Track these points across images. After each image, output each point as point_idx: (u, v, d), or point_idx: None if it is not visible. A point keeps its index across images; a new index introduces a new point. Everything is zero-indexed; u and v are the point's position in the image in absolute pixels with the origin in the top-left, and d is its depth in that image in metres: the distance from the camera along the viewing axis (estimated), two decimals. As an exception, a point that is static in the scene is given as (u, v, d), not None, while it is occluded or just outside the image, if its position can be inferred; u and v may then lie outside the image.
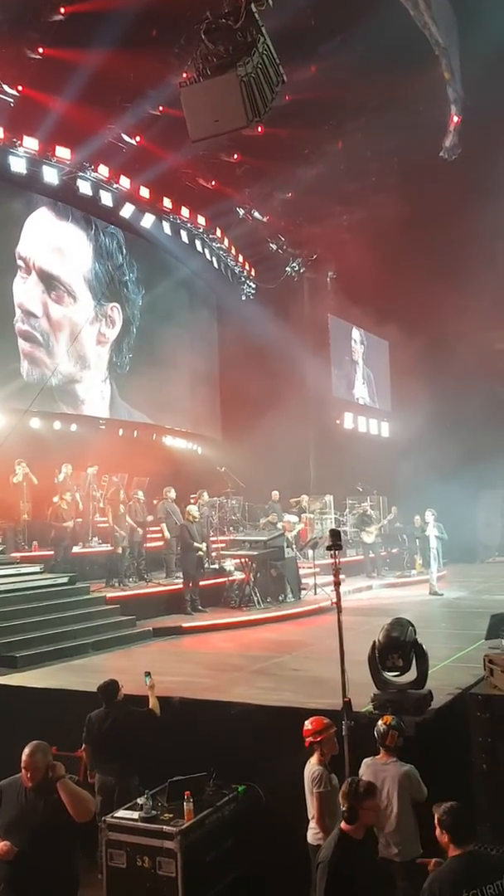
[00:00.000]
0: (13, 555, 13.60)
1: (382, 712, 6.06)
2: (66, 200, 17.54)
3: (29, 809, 4.55)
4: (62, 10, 13.05)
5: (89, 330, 18.32)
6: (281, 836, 6.02)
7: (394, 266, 20.89)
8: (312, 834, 5.62)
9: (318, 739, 5.67)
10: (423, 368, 22.12)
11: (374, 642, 6.59)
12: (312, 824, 5.63)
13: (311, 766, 5.68)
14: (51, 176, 16.16)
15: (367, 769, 5.53)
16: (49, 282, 17.37)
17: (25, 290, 16.81)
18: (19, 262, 16.67)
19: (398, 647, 6.48)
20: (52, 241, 17.57)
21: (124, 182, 17.44)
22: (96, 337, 18.80)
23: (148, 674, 6.87)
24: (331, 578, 6.99)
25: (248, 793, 6.38)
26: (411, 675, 6.58)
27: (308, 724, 5.75)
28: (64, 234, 17.96)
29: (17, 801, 4.60)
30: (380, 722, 5.59)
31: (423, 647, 6.61)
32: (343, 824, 4.55)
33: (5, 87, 14.16)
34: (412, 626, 6.67)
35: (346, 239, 21.77)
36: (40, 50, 13.68)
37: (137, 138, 16.57)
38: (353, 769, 5.55)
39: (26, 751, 4.65)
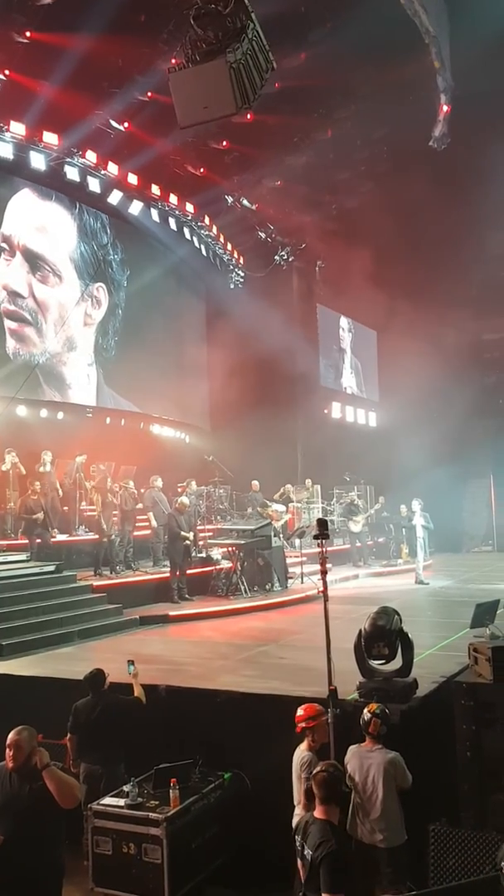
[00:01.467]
0: (-1, 543, 13.55)
1: (368, 700, 6.10)
2: (54, 186, 17.38)
3: (14, 796, 4.55)
4: (50, -7, 12.91)
5: (76, 311, 18.23)
6: (266, 823, 6.05)
7: (382, 255, 20.89)
8: (297, 820, 5.66)
9: (311, 725, 5.71)
10: (411, 358, 22.15)
11: (360, 631, 6.62)
12: (298, 810, 5.67)
13: (301, 752, 5.72)
14: (38, 161, 16.00)
15: (352, 756, 5.57)
16: (34, 262, 17.22)
17: (10, 272, 16.66)
18: (3, 244, 16.52)
19: (384, 635, 6.50)
20: (36, 220, 17.40)
21: (112, 168, 17.29)
22: (83, 318, 18.70)
23: (131, 662, 6.88)
24: (317, 567, 7.01)
25: (233, 780, 6.43)
26: (397, 663, 6.62)
27: (300, 711, 5.79)
28: (48, 214, 17.78)
29: (2, 787, 4.60)
30: (365, 710, 5.63)
31: (409, 635, 6.64)
32: (325, 811, 4.56)
33: (-8, 71, 14.03)
34: (398, 614, 6.70)
35: (335, 228, 21.74)
36: (27, 34, 13.50)
37: (125, 124, 16.43)
38: (339, 756, 5.58)
39: (12, 731, 4.66)
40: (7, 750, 4.62)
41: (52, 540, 13.82)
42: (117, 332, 19.68)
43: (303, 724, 5.75)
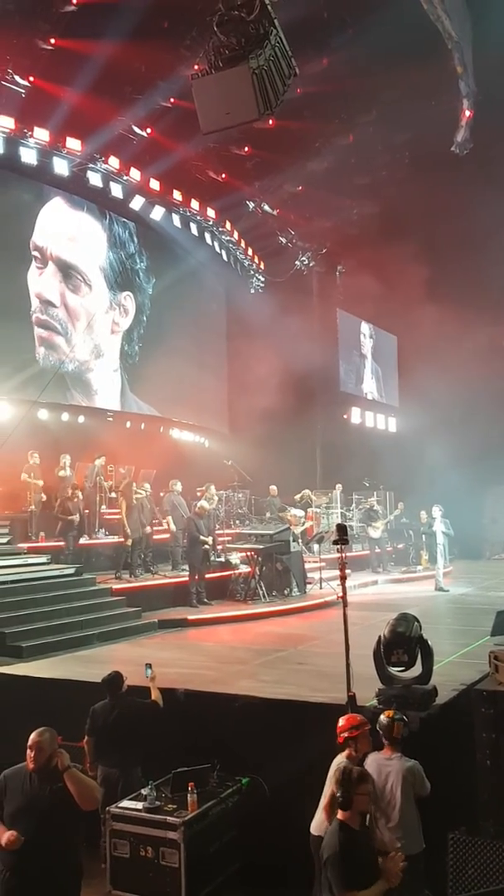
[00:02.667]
0: (20, 545, 13.63)
1: (387, 707, 6.06)
2: (77, 192, 17.55)
3: (34, 798, 4.57)
4: (74, 1, 13.04)
5: (104, 318, 18.46)
6: (284, 828, 6.03)
7: (403, 260, 20.82)
8: (317, 825, 5.63)
9: (353, 735, 5.58)
10: (432, 364, 22.06)
11: (380, 637, 6.58)
12: (320, 815, 5.63)
13: (338, 760, 5.62)
14: (61, 167, 16.14)
15: (371, 764, 5.53)
16: (66, 271, 17.47)
17: (43, 281, 16.92)
18: (34, 253, 16.72)
19: (403, 642, 6.47)
20: (68, 230, 17.66)
21: (134, 174, 17.41)
22: (110, 326, 18.90)
23: (149, 666, 6.89)
24: (336, 573, 6.99)
25: (251, 785, 6.41)
26: (416, 670, 6.58)
27: (341, 721, 5.61)
28: (79, 224, 18.03)
29: (23, 789, 4.62)
30: (382, 716, 5.58)
31: (429, 642, 6.60)
32: (339, 813, 4.57)
33: (17, 78, 14.18)
34: (417, 621, 6.65)
35: (355, 233, 21.70)
36: (52, 41, 13.67)
37: (148, 130, 16.56)
38: (358, 763, 5.54)
39: (34, 732, 4.68)
40: (28, 751, 4.64)
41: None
42: (142, 339, 19.82)
43: (345, 735, 5.61)
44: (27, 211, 16.75)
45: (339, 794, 4.59)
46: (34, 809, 4.53)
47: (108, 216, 18.70)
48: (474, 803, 6.11)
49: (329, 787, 5.53)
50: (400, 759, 5.45)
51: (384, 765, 5.46)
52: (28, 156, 15.41)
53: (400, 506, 19.91)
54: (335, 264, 24.35)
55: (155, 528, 14.94)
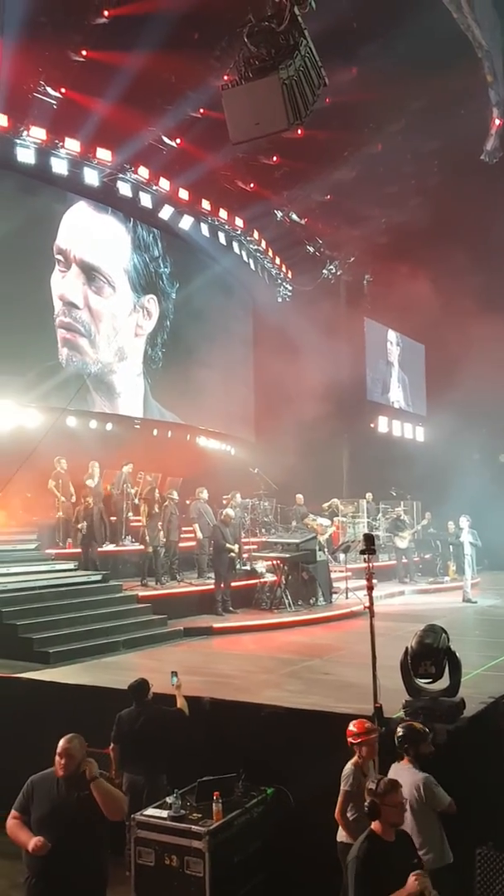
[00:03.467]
0: (47, 551, 13.74)
1: (414, 719, 6.01)
2: (106, 201, 17.73)
3: (61, 804, 4.59)
4: (105, 13, 13.21)
5: (127, 321, 18.59)
6: (309, 840, 6.00)
7: (432, 269, 20.75)
8: (340, 832, 5.63)
9: (358, 741, 5.65)
10: (461, 372, 21.91)
11: (407, 648, 6.54)
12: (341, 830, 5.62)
13: (347, 766, 5.68)
14: (91, 177, 16.35)
15: (391, 773, 5.49)
16: (90, 273, 17.62)
17: (66, 283, 17.08)
18: (58, 256, 16.89)
19: (431, 653, 6.42)
20: (92, 233, 17.81)
21: (163, 184, 17.57)
22: (134, 329, 19.02)
23: (174, 673, 6.89)
24: (362, 583, 6.96)
25: (276, 795, 6.37)
26: (444, 682, 6.52)
27: (351, 726, 5.74)
28: (103, 227, 18.20)
29: (50, 795, 4.64)
30: (399, 728, 5.55)
31: (457, 654, 6.54)
32: (373, 823, 4.56)
33: (49, 90, 14.38)
34: (445, 633, 6.60)
35: (383, 241, 21.66)
36: (83, 52, 13.85)
37: (177, 140, 16.70)
38: (383, 772, 5.51)
39: (63, 739, 4.71)
40: (57, 758, 4.66)
41: (98, 550, 13.98)
42: (165, 344, 19.91)
43: (351, 740, 5.70)
44: (51, 215, 16.92)
45: (366, 804, 4.58)
46: (61, 816, 4.54)
47: (131, 219, 18.83)
48: (503, 817, 6.02)
49: (340, 794, 5.54)
50: (410, 772, 5.39)
51: (398, 775, 5.40)
52: (59, 166, 15.62)
53: (427, 516, 19.77)
54: (363, 273, 24.32)
55: (182, 536, 14.96)
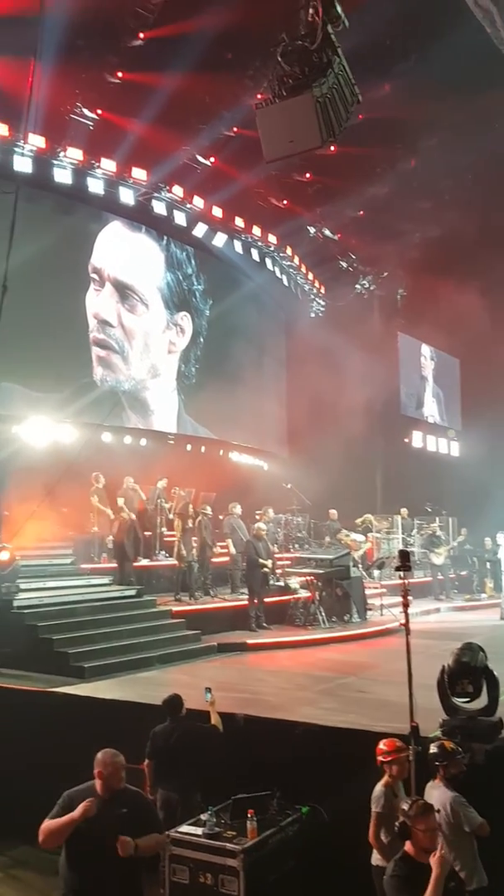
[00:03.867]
0: (83, 566, 13.84)
1: (451, 739, 5.92)
2: (141, 220, 17.97)
3: (98, 821, 4.58)
4: (141, 36, 13.39)
5: (160, 338, 18.76)
6: (345, 860, 5.92)
7: (466, 283, 20.61)
8: (374, 855, 5.55)
9: (388, 760, 5.60)
10: (496, 387, 21.70)
11: (444, 667, 6.45)
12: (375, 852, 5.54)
13: (377, 787, 5.62)
14: (127, 196, 16.59)
15: (425, 793, 5.40)
16: (123, 292, 17.85)
17: (100, 301, 17.31)
18: (93, 275, 17.15)
19: (468, 672, 6.33)
20: (126, 252, 18.04)
21: (197, 202, 17.75)
22: (167, 346, 19.18)
23: (208, 690, 6.87)
24: (397, 599, 6.89)
25: (311, 814, 6.31)
26: (482, 701, 6.41)
27: (381, 745, 5.69)
28: (137, 245, 18.43)
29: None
30: (432, 747, 5.47)
31: (495, 673, 6.44)
32: (406, 845, 4.50)
33: (85, 111, 14.65)
34: (483, 651, 6.50)
35: (417, 256, 21.59)
36: (119, 74, 14.07)
37: (211, 159, 16.86)
38: (419, 793, 5.43)
39: (101, 753, 4.71)
40: (96, 774, 4.67)
41: (135, 565, 14.06)
42: (198, 360, 20.04)
43: (381, 759, 5.64)
44: (87, 234, 17.19)
45: (397, 823, 4.53)
46: (97, 832, 4.54)
47: (165, 237, 19.06)
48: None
49: (372, 816, 5.47)
50: (440, 790, 5.30)
51: (428, 794, 5.33)
52: (95, 186, 15.87)
53: (463, 532, 19.56)
54: (396, 288, 24.24)
55: (215, 551, 14.98)
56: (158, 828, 4.98)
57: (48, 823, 4.60)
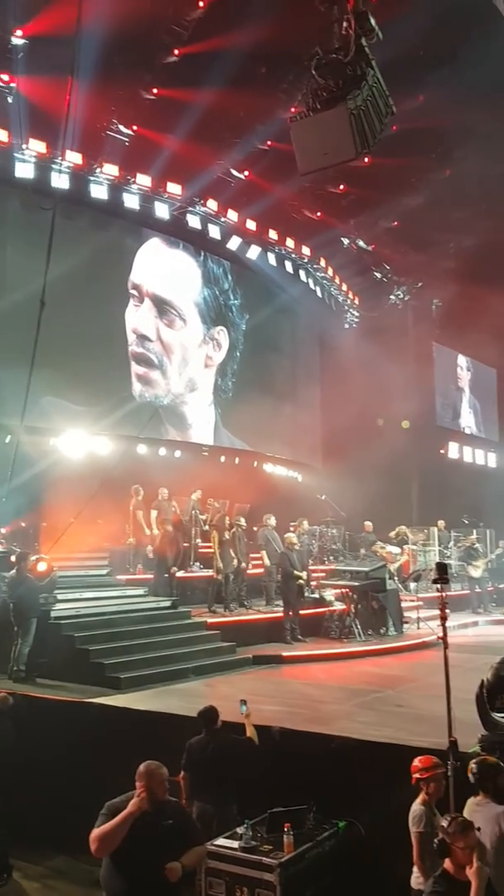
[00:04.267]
0: (118, 577, 13.92)
1: (491, 754, 5.82)
2: (176, 234, 18.17)
3: (141, 832, 4.57)
4: (175, 52, 13.58)
5: (197, 353, 18.92)
6: (382, 877, 5.84)
7: (502, 293, 20.42)
8: (414, 878, 5.43)
9: (424, 777, 5.51)
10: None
11: (483, 681, 6.35)
12: (415, 869, 5.45)
13: (414, 806, 5.53)
14: (162, 211, 16.80)
15: (467, 809, 5.29)
16: (161, 307, 18.08)
17: (139, 316, 17.58)
18: (132, 291, 17.38)
19: (508, 687, 6.23)
20: (164, 268, 18.30)
21: (231, 215, 17.90)
22: (204, 360, 19.34)
23: (244, 702, 6.85)
24: (433, 612, 6.82)
25: (348, 829, 6.25)
26: (522, 717, 6.30)
27: (416, 762, 5.60)
28: (175, 261, 18.66)
29: (132, 823, 4.61)
30: (472, 763, 5.35)
31: (535, 688, 6.32)
32: (446, 862, 4.42)
33: (121, 127, 14.89)
34: (523, 665, 6.40)
35: (452, 266, 21.48)
36: (154, 91, 14.28)
37: (245, 173, 17.00)
38: (458, 810, 5.34)
39: (143, 765, 4.72)
40: (138, 783, 4.67)
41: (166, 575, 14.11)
42: (235, 374, 20.15)
43: (416, 776, 5.55)
44: (124, 250, 17.44)
45: (436, 840, 4.46)
46: (140, 844, 4.53)
47: (202, 253, 19.27)
48: None
49: (414, 837, 5.37)
50: (490, 806, 5.17)
51: (475, 811, 5.19)
52: (131, 201, 16.09)
53: (501, 544, 19.27)
54: (431, 298, 24.12)
55: (250, 563, 14.96)
56: (199, 839, 4.93)
57: (98, 830, 4.52)
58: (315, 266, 21.27)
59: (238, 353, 20.31)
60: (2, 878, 7.70)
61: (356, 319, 23.67)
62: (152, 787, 4.63)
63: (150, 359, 17.71)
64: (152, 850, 4.49)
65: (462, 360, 26.53)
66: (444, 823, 4.55)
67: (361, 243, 20.82)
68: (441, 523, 19.30)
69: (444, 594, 6.08)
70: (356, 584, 14.03)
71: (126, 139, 15.11)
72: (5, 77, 13.14)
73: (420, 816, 5.39)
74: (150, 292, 17.82)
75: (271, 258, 19.91)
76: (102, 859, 4.62)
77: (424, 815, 5.39)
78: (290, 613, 13.25)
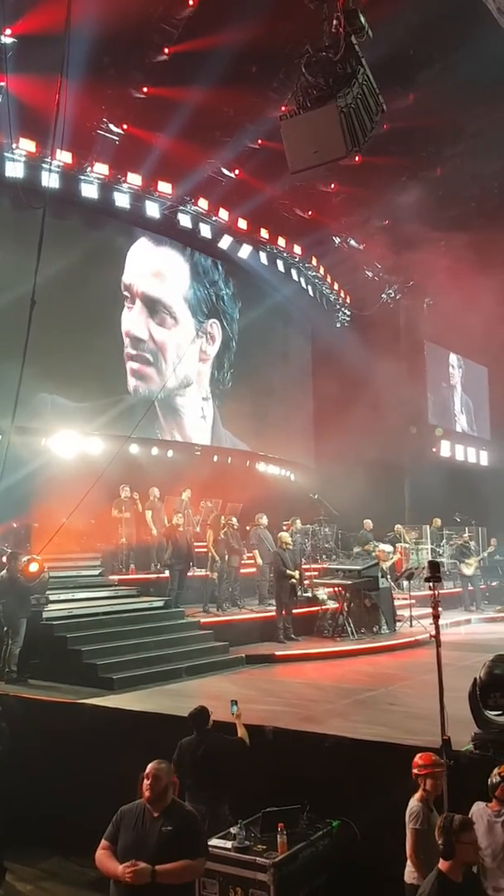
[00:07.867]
0: (111, 577, 13.88)
1: (484, 752, 5.83)
2: (167, 233, 18.14)
3: (145, 836, 4.58)
4: (165, 51, 13.53)
5: (191, 348, 18.90)
6: (376, 875, 5.84)
7: (493, 291, 20.45)
8: (409, 872, 5.43)
9: (423, 774, 5.50)
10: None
11: (475, 679, 6.36)
12: (409, 863, 5.44)
13: (411, 802, 5.52)
14: (153, 210, 16.75)
15: (479, 818, 5.17)
16: (152, 307, 18.09)
17: (132, 318, 17.57)
18: (125, 293, 17.37)
19: (501, 685, 6.23)
20: (152, 266, 18.28)
21: (223, 214, 17.85)
22: (198, 355, 19.36)
23: (234, 702, 6.82)
24: (426, 610, 6.82)
25: (342, 828, 6.24)
26: (514, 714, 6.31)
27: (417, 759, 5.59)
28: (162, 259, 18.63)
29: (136, 826, 4.64)
30: (495, 771, 5.22)
31: (528, 685, 6.33)
32: (441, 863, 4.40)
33: (111, 126, 14.82)
34: (515, 663, 6.40)
35: (443, 265, 21.48)
36: (144, 89, 14.21)
37: (236, 171, 16.95)
38: (453, 808, 5.33)
39: (151, 764, 4.73)
40: (145, 780, 4.67)
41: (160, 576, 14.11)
42: (232, 365, 20.16)
43: (416, 772, 5.55)
44: (116, 250, 17.42)
45: (440, 843, 4.43)
46: (144, 848, 4.53)
47: (188, 248, 19.23)
48: None
49: (409, 833, 5.36)
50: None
51: (494, 821, 5.09)
52: (121, 200, 16.04)
53: (493, 542, 19.30)
54: (422, 296, 24.14)
55: (242, 562, 14.94)
56: (197, 852, 4.71)
57: (101, 858, 4.63)
58: (306, 265, 21.23)
59: (234, 344, 20.33)
60: (-4, 880, 7.67)
61: (348, 318, 23.64)
62: (156, 788, 4.62)
63: (145, 358, 17.76)
64: (146, 856, 4.48)
65: (453, 359, 26.57)
66: (445, 823, 4.49)
67: (353, 242, 20.80)
68: (437, 521, 19.32)
69: (436, 592, 6.07)
70: (349, 582, 14.04)
71: (116, 138, 15.04)
72: (-6, 76, 13.06)
73: (417, 813, 5.38)
74: (140, 292, 17.80)
75: (263, 257, 19.88)
76: None
77: (421, 812, 5.39)
78: (283, 612, 13.25)
